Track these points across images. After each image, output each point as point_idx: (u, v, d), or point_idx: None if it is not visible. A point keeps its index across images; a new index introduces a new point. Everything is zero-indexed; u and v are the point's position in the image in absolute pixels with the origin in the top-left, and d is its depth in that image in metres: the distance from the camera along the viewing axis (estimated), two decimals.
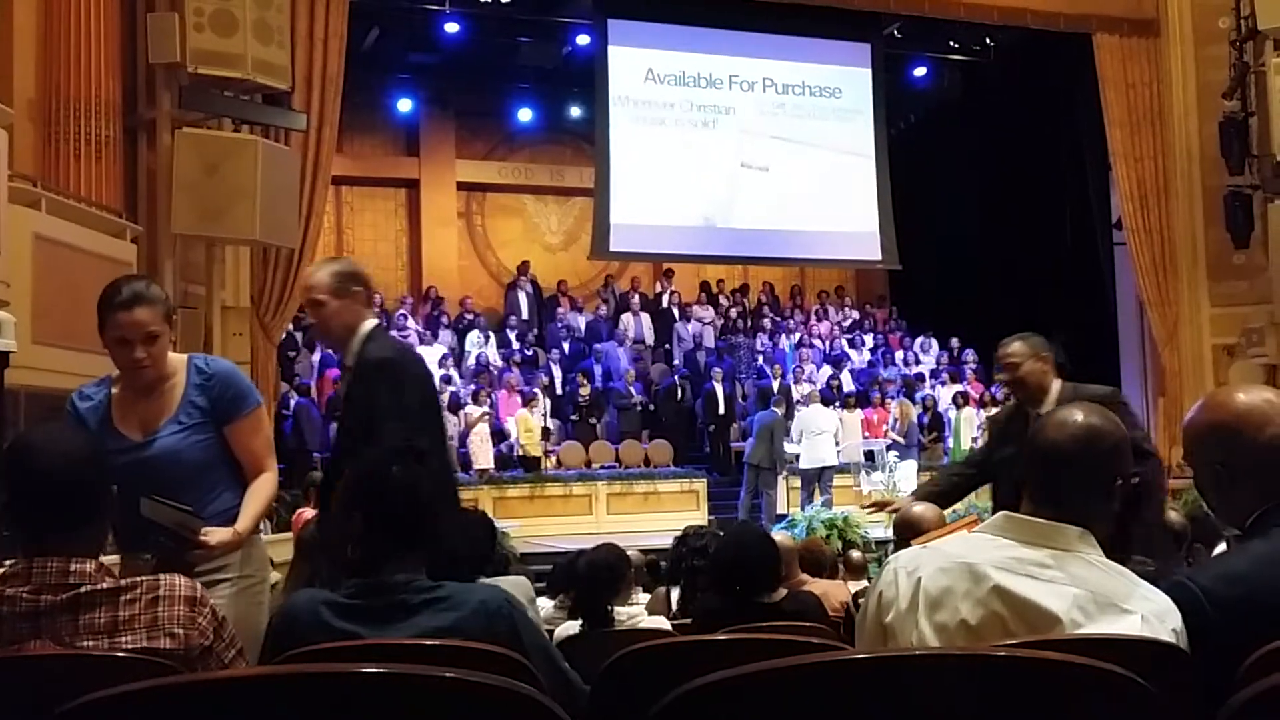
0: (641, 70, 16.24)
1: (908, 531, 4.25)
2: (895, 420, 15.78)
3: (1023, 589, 1.90)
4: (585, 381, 15.78)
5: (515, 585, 4.04)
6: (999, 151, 17.60)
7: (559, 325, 17.31)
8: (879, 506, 5.69)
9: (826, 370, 17.11)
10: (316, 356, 15.35)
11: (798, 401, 15.49)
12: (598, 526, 13.67)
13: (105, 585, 2.14)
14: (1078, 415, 2.06)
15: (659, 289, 18.56)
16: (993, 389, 16.79)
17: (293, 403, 13.66)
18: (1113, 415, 2.10)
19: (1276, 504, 2.06)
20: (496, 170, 19.50)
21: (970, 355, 17.86)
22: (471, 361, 16.17)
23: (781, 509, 14.21)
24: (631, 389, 15.90)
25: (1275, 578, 1.95)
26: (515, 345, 16.82)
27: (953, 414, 16.29)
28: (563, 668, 2.39)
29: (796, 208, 16.69)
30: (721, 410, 15.45)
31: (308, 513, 8.58)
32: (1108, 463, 2.03)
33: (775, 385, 15.75)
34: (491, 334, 17.05)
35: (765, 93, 16.83)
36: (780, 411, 14.01)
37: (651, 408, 16.14)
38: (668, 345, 17.56)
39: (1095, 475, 2.02)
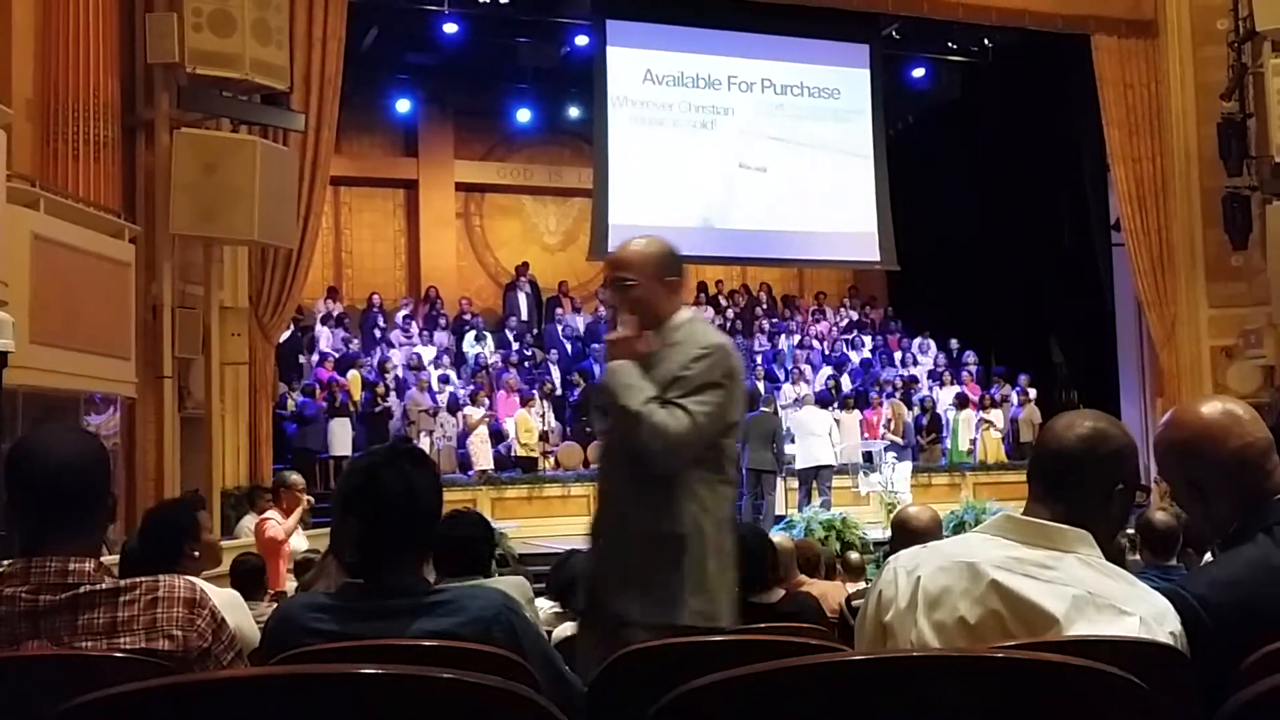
0: (640, 71, 16.25)
1: (904, 532, 4.26)
2: (889, 420, 15.79)
3: (1021, 587, 1.90)
4: (582, 381, 15.79)
5: (513, 585, 4.03)
6: (997, 152, 17.62)
7: (558, 326, 17.31)
8: None
9: (825, 371, 17.11)
10: (315, 357, 15.36)
11: (793, 402, 15.50)
12: None
13: (105, 585, 2.13)
14: (1087, 419, 2.07)
15: None
16: (991, 391, 16.81)
17: (293, 402, 13.66)
18: (1120, 422, 2.11)
19: (1256, 511, 2.08)
20: (495, 171, 19.50)
21: (970, 357, 17.86)
22: (470, 362, 16.18)
23: (780, 510, 14.21)
24: None
25: (1269, 583, 1.96)
26: (514, 346, 16.83)
27: (951, 415, 16.30)
28: (561, 670, 2.39)
29: (795, 208, 16.69)
30: None
31: (271, 520, 8.29)
32: (1110, 466, 2.03)
33: (762, 386, 15.76)
34: (489, 335, 17.06)
35: (764, 93, 16.83)
36: (770, 410, 14.02)
37: None
38: None
39: (1097, 478, 2.02)
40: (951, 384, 17.05)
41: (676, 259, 3.32)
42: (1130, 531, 5.08)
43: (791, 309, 19.45)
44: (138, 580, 2.16)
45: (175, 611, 2.14)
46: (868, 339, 18.69)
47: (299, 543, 8.42)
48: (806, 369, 16.99)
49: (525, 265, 18.24)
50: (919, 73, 18.60)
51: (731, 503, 3.22)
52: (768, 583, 4.21)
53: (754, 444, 13.52)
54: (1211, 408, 2.16)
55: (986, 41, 16.97)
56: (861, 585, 6.81)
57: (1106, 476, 2.03)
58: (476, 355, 16.32)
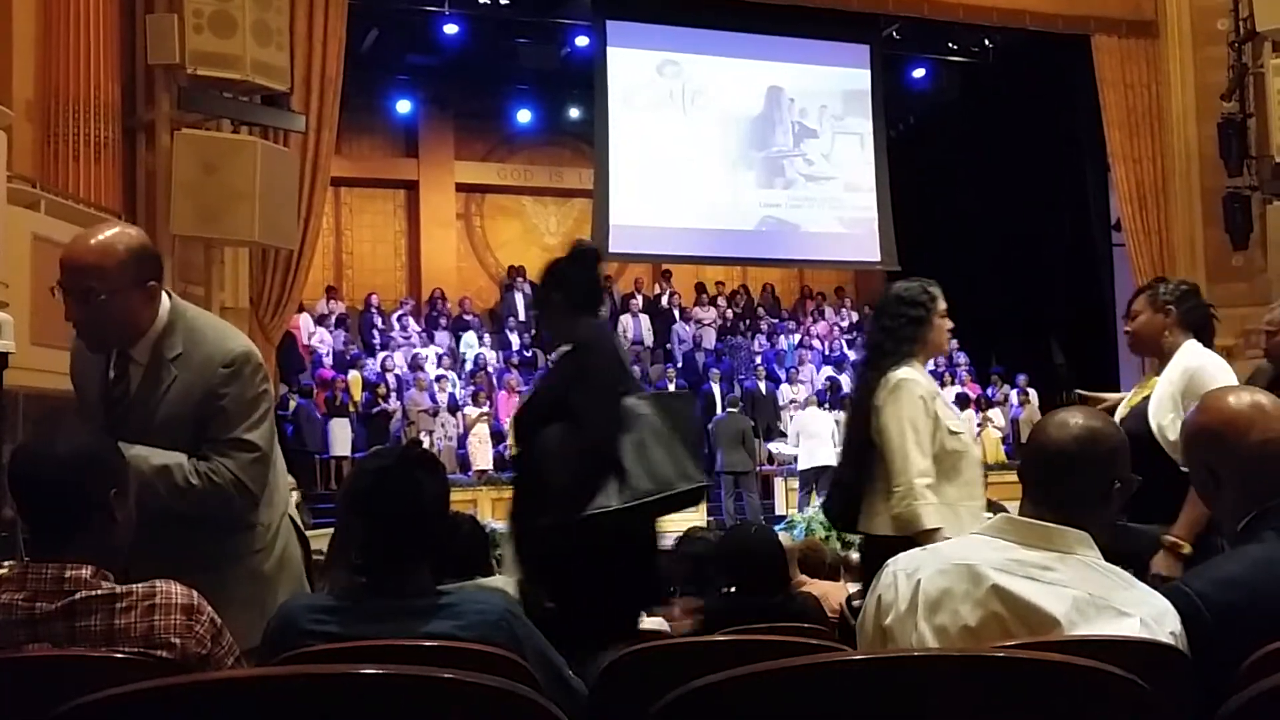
0: (640, 71, 16.25)
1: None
2: None
3: (1021, 590, 1.90)
4: None
5: (515, 587, 4.02)
6: (998, 153, 17.59)
7: None
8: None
9: (825, 371, 17.10)
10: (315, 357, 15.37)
11: (790, 402, 15.48)
12: None
13: (101, 591, 2.12)
14: (1078, 417, 2.07)
15: (658, 290, 18.56)
16: (989, 390, 16.79)
17: (293, 404, 13.65)
18: (1110, 418, 2.10)
19: (1267, 508, 2.07)
20: (495, 171, 19.50)
21: (961, 358, 17.84)
22: (470, 363, 16.18)
23: (781, 510, 14.20)
24: None
25: (1271, 581, 1.95)
26: (515, 346, 16.82)
27: None
28: (562, 671, 2.39)
29: (795, 209, 16.69)
30: (719, 411, 15.45)
31: None
32: (1105, 465, 2.03)
33: (762, 386, 15.75)
34: (488, 335, 17.05)
35: (764, 94, 16.83)
36: (736, 410, 14.00)
37: None
38: (668, 346, 17.56)
39: (1093, 477, 2.02)
40: (951, 384, 17.03)
41: (156, 257, 2.69)
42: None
43: (792, 309, 19.43)
44: (133, 587, 2.15)
45: (173, 619, 2.13)
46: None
47: None
48: (810, 369, 16.97)
49: (522, 268, 18.24)
50: (919, 73, 18.59)
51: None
52: (779, 582, 4.16)
53: (725, 446, 13.45)
54: (1239, 398, 2.16)
55: (987, 42, 16.96)
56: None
57: (1103, 475, 2.03)
58: (476, 356, 16.32)
